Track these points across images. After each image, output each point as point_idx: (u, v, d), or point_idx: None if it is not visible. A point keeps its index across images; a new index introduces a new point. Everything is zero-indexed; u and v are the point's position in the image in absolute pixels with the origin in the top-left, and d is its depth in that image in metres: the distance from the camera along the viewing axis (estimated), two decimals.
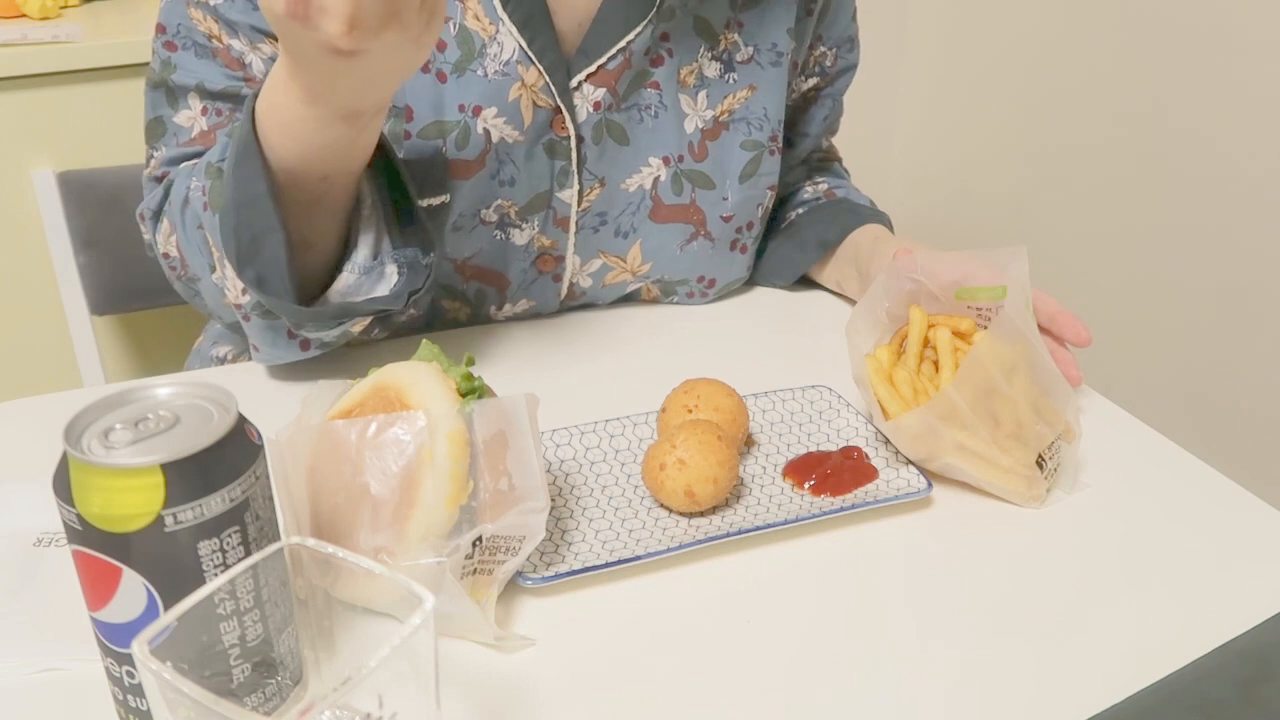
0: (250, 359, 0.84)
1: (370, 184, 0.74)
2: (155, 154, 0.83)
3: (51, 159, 1.46)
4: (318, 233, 0.74)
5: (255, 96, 0.69)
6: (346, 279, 0.74)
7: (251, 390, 0.78)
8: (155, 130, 0.82)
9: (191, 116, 0.81)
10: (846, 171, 1.09)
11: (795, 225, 1.00)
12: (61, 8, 1.64)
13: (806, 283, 1.00)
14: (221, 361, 0.94)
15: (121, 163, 1.32)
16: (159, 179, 0.83)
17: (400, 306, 0.75)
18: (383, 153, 0.74)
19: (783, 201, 1.04)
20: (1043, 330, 0.77)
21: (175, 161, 0.82)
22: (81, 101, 1.51)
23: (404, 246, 0.76)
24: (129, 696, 0.47)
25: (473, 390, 0.58)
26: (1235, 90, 1.50)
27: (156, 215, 0.82)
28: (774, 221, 1.03)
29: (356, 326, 0.77)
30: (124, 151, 1.43)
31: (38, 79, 1.48)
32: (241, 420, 0.46)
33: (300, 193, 0.70)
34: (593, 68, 0.83)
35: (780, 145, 0.92)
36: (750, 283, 1.00)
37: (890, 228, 0.97)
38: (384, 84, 0.65)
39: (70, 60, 1.49)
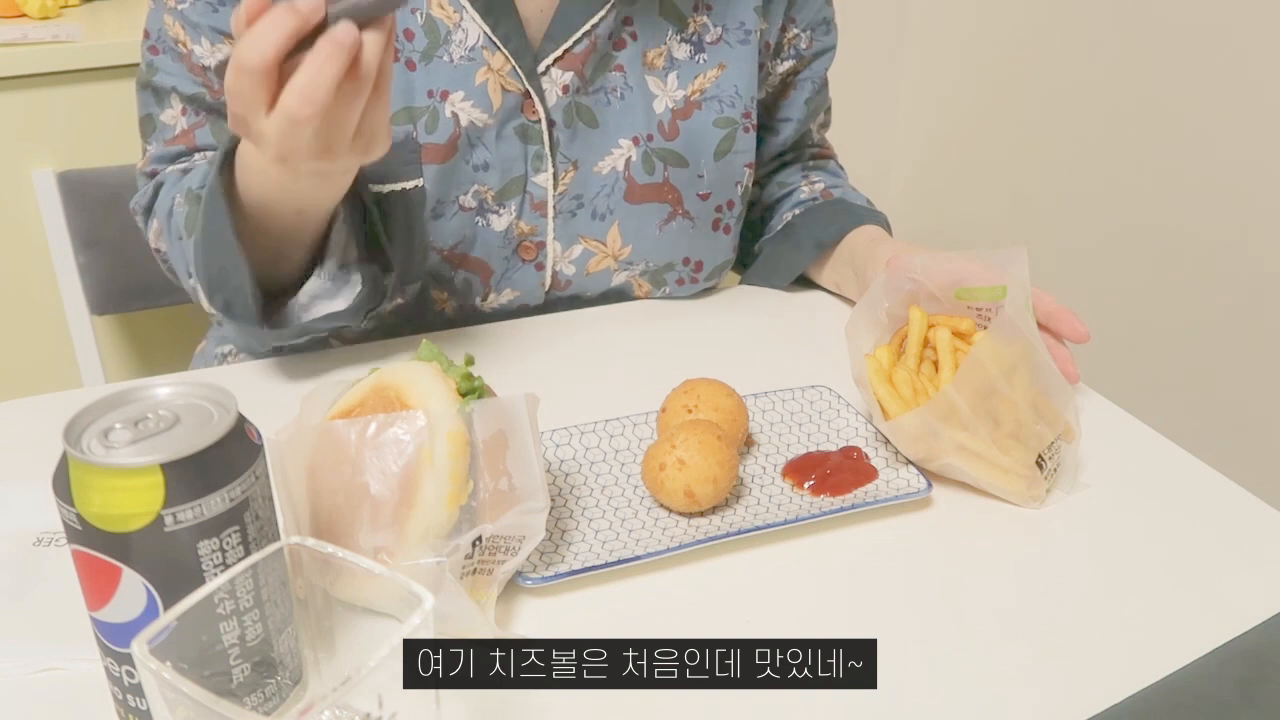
0: (250, 358, 0.87)
1: (343, 203, 0.77)
2: (149, 149, 0.88)
3: (51, 159, 1.46)
4: (290, 253, 0.78)
5: (232, 143, 0.72)
6: (315, 284, 0.78)
7: (251, 390, 0.78)
8: (146, 127, 0.88)
9: (174, 115, 0.86)
10: (842, 169, 1.09)
11: (792, 226, 1.00)
12: (61, 8, 1.64)
13: (806, 283, 0.99)
14: (224, 359, 0.95)
15: (121, 163, 1.31)
16: (150, 175, 0.88)
17: (358, 322, 0.79)
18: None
19: (779, 201, 1.04)
20: (1040, 327, 0.77)
21: (163, 159, 0.87)
22: (81, 101, 1.51)
23: (370, 262, 0.79)
24: (129, 696, 0.47)
25: (473, 390, 0.58)
26: (1236, 90, 1.50)
27: (148, 211, 0.87)
28: (771, 222, 1.03)
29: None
30: (124, 151, 1.43)
31: (38, 79, 1.48)
32: (241, 420, 0.46)
33: (274, 225, 0.74)
34: (559, 51, 0.85)
35: (755, 122, 0.93)
36: (748, 283, 1.00)
37: (888, 227, 0.97)
38: (343, 180, 0.70)
39: (70, 60, 1.48)
